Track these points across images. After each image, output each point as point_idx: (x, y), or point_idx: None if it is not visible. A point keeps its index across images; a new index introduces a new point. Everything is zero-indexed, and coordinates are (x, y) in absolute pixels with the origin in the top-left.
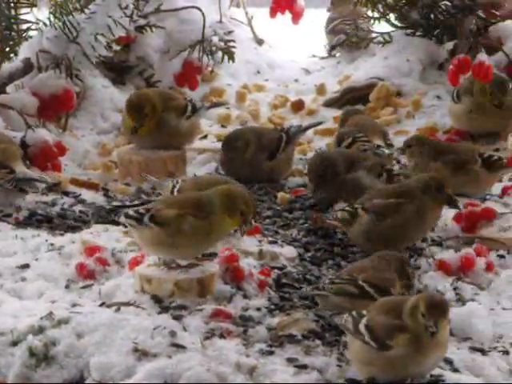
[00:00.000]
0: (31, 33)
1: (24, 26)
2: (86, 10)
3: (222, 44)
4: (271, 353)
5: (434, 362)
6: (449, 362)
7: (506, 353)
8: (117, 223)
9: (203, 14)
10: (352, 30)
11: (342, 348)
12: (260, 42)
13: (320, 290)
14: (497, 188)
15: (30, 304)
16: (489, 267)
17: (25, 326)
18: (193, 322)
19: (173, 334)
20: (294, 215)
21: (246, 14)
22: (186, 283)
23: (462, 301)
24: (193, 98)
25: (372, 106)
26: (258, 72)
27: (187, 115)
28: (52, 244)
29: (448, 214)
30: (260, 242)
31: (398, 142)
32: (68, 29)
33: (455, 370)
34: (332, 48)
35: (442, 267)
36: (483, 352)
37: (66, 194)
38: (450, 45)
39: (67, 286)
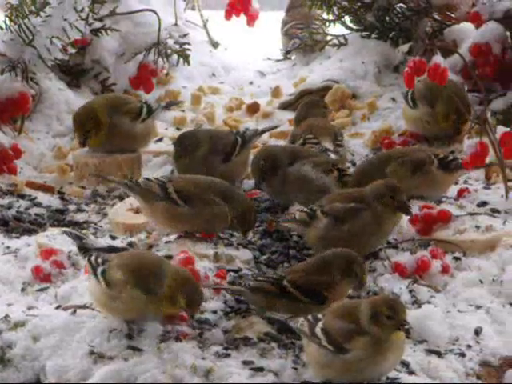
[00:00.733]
0: None
1: None
2: (42, 13)
3: (178, 47)
4: (227, 355)
5: (391, 364)
6: (405, 364)
7: (462, 355)
8: (73, 226)
9: (158, 16)
10: (305, 33)
11: (298, 351)
12: (215, 44)
13: (241, 285)
14: (453, 190)
15: None
16: (444, 270)
17: None
18: (149, 324)
19: (129, 336)
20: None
21: (202, 16)
22: None
23: (417, 303)
24: (148, 100)
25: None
26: (214, 75)
27: (142, 118)
28: (8, 247)
29: (404, 216)
30: (215, 244)
31: (353, 144)
32: (24, 32)
33: (411, 373)
34: (287, 52)
35: (398, 270)
36: (439, 354)
37: (22, 196)
38: (405, 47)
39: (23, 289)
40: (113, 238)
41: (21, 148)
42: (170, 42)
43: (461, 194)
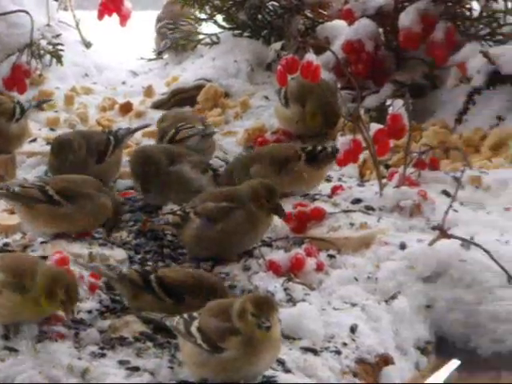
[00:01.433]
0: None
1: None
2: None
3: (50, 47)
4: (103, 355)
5: (268, 363)
6: (281, 362)
7: (338, 353)
8: None
9: (31, 17)
10: (176, 32)
11: (174, 350)
12: (88, 44)
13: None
14: (326, 188)
15: None
16: (319, 267)
17: None
18: (25, 325)
19: (5, 337)
20: (124, 217)
21: (74, 17)
22: None
23: (292, 301)
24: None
25: (200, 108)
26: (86, 75)
27: (16, 118)
28: None
29: None
30: (90, 244)
31: (226, 143)
32: None
33: (287, 371)
34: (159, 53)
35: (272, 268)
36: (315, 352)
37: None
38: (277, 45)
39: None
40: None
41: None
42: (43, 42)
43: (335, 191)
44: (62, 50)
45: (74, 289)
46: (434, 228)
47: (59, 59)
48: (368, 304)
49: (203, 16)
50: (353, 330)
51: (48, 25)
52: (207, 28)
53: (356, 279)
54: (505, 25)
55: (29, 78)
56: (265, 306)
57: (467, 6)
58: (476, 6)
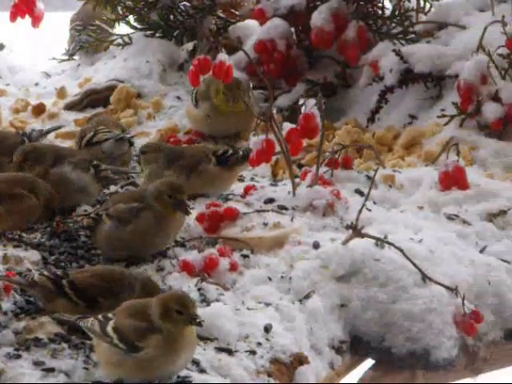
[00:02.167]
0: None
1: None
2: None
3: None
4: (18, 356)
5: (184, 362)
6: (195, 362)
7: (253, 353)
8: None
9: None
10: (86, 33)
11: (89, 351)
12: (0, 46)
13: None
14: (239, 188)
15: None
16: (233, 267)
17: None
18: None
19: None
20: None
21: None
22: None
23: (206, 301)
24: None
25: (113, 108)
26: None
27: None
28: None
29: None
30: (4, 246)
31: (139, 144)
32: None
33: (202, 371)
34: (71, 54)
35: (186, 268)
36: (229, 352)
37: None
38: (189, 45)
39: None
40: None
41: None
42: None
43: (247, 191)
44: None
45: None
46: (347, 227)
47: None
48: (282, 304)
49: (115, 17)
50: (267, 329)
51: None
52: (119, 29)
53: (270, 279)
54: (417, 23)
55: None
56: (189, 302)
57: (379, 4)
58: (388, 5)
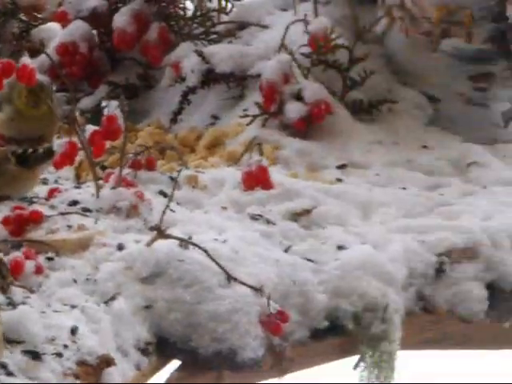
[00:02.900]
0: None
1: None
2: None
3: None
4: None
5: None
6: (3, 366)
7: (59, 355)
8: None
9: None
10: None
11: None
12: None
13: None
14: (43, 190)
15: None
16: (38, 270)
17: None
18: None
19: None
20: None
21: None
22: None
23: (12, 304)
24: None
25: None
26: None
27: None
28: None
29: None
30: None
31: None
32: None
33: (9, 374)
34: None
35: None
36: (36, 355)
37: None
38: None
39: None
40: None
41: None
42: None
43: (51, 193)
44: None
45: None
46: (151, 228)
47: None
48: (88, 306)
49: None
50: (73, 332)
51: None
52: None
53: (75, 281)
54: (219, 23)
55: None
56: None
57: (181, 5)
58: (191, 6)
